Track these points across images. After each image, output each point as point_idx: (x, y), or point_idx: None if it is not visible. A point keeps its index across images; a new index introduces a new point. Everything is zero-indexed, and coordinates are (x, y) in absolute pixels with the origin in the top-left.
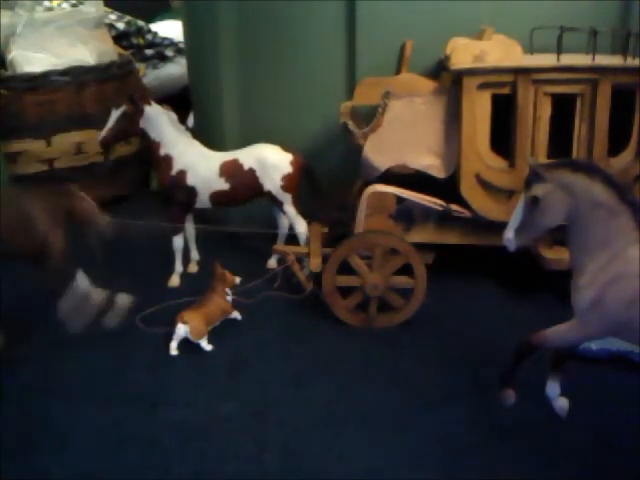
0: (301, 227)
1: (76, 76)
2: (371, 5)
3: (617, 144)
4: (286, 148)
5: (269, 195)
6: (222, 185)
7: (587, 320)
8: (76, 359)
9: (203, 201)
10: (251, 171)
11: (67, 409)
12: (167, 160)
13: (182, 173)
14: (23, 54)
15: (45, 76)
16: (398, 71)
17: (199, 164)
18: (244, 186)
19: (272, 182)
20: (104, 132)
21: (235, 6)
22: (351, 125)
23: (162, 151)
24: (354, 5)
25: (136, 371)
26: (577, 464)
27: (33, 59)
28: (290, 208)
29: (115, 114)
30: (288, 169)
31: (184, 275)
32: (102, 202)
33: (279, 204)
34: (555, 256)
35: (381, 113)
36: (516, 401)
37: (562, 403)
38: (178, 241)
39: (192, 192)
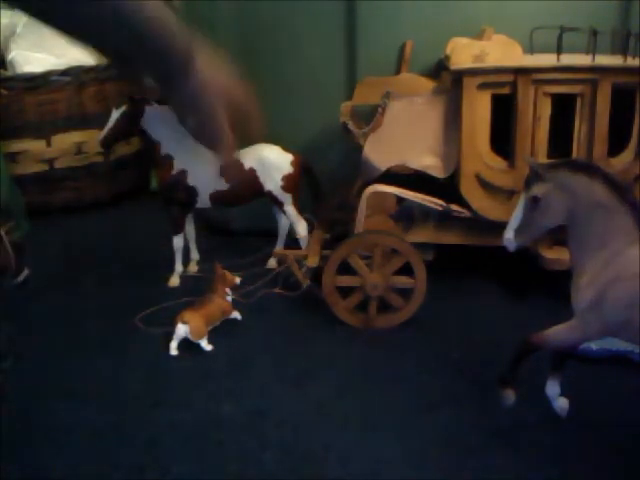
0: (301, 227)
1: (76, 76)
2: (371, 5)
3: (617, 144)
4: (286, 148)
5: (270, 195)
6: (222, 185)
7: (587, 320)
8: (76, 359)
9: (203, 201)
10: (252, 171)
11: (67, 409)
12: (167, 160)
13: (182, 173)
14: (23, 54)
15: (45, 76)
16: (398, 71)
17: (199, 164)
18: (244, 186)
19: (273, 182)
20: (104, 132)
21: (235, 6)
22: (351, 125)
23: (162, 151)
24: (354, 5)
25: (136, 371)
26: (577, 464)
27: (33, 59)
28: (291, 208)
29: (115, 114)
30: (289, 169)
31: (184, 275)
32: (102, 202)
33: (279, 204)
34: (555, 256)
35: (381, 113)
36: (516, 401)
37: (562, 403)
38: (178, 241)
39: (192, 192)
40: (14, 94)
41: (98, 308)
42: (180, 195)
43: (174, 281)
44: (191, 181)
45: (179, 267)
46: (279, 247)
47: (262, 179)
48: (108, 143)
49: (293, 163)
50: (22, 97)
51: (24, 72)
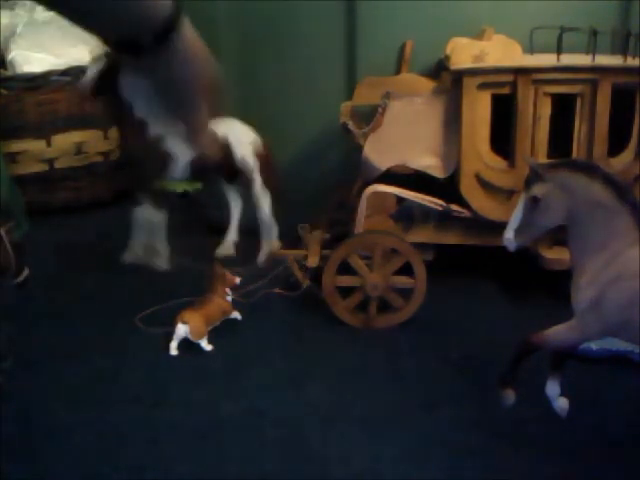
0: (265, 203)
1: (76, 76)
2: (371, 5)
3: (617, 144)
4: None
5: (240, 167)
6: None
7: (587, 320)
8: (76, 359)
9: (181, 169)
10: (225, 140)
11: (67, 409)
12: (141, 124)
13: (159, 138)
14: (23, 54)
15: (45, 76)
16: (398, 71)
17: (177, 130)
18: (221, 154)
19: (245, 155)
20: (89, 82)
21: (235, 6)
22: (351, 125)
23: (136, 114)
24: (354, 5)
25: (136, 371)
26: (577, 464)
27: (33, 59)
28: (258, 185)
29: (93, 67)
30: (261, 149)
31: (184, 275)
32: (102, 202)
33: (248, 181)
34: (555, 256)
35: (381, 113)
36: (516, 401)
37: (562, 403)
38: (147, 214)
39: (169, 159)
40: (14, 94)
41: (98, 308)
42: (155, 163)
43: (130, 256)
44: (168, 147)
45: (162, 248)
46: (233, 236)
47: (235, 150)
48: (94, 92)
49: (265, 145)
50: (22, 97)
51: (24, 72)
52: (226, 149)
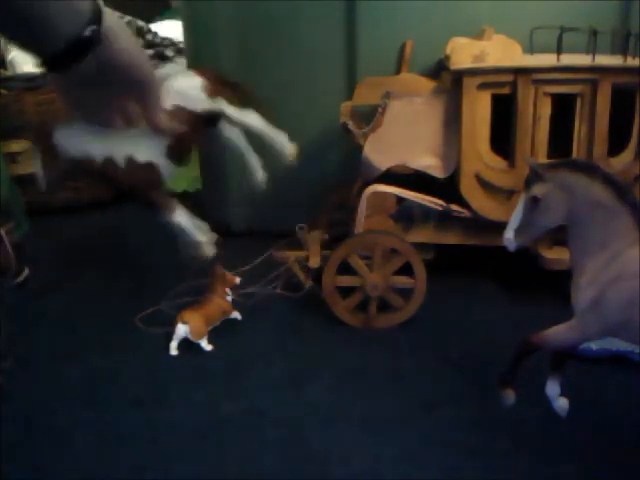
0: (253, 118)
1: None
2: (371, 5)
3: (617, 144)
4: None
5: (208, 115)
6: (167, 138)
7: (587, 320)
8: (76, 359)
9: (165, 167)
10: (177, 107)
11: (67, 409)
12: (109, 162)
13: (130, 159)
14: (23, 54)
15: (45, 76)
16: (398, 71)
17: (133, 139)
18: (184, 123)
19: (199, 102)
20: (45, 181)
21: (235, 6)
22: (351, 125)
23: (99, 159)
24: (354, 5)
25: (136, 371)
26: (577, 464)
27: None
28: (231, 109)
29: (37, 157)
30: (201, 81)
31: (184, 275)
32: (102, 202)
33: (224, 117)
34: (555, 256)
35: (381, 113)
36: (516, 401)
37: (562, 403)
38: (180, 216)
39: (150, 166)
40: (14, 94)
41: (98, 308)
42: (144, 176)
43: (207, 250)
44: (141, 158)
45: (201, 237)
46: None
47: (192, 107)
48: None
49: (200, 74)
50: (22, 97)
51: (24, 72)
52: (185, 114)
